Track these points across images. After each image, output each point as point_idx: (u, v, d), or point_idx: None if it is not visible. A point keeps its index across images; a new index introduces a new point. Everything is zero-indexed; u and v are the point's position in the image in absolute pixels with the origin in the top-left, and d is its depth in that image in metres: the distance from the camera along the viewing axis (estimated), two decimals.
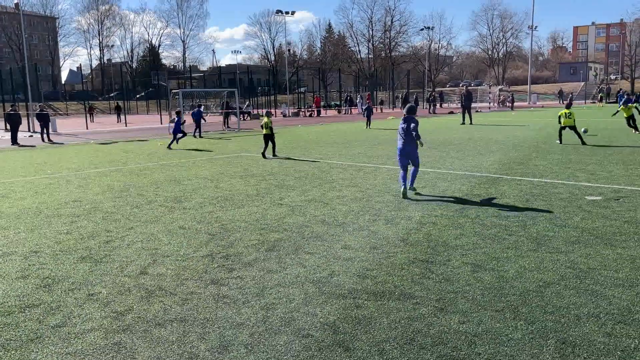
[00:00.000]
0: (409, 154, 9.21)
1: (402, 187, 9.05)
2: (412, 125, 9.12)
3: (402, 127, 9.30)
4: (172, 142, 19.52)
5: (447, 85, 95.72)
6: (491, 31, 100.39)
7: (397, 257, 5.77)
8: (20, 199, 9.68)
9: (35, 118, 26.79)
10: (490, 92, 62.02)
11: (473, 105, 34.53)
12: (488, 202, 8.41)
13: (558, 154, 14.45)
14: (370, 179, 11.03)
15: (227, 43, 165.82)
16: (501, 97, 60.61)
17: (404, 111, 9.50)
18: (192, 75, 62.41)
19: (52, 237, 6.90)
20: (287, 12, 62.42)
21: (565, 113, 17.15)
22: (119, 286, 5.08)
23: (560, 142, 17.17)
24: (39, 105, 27.09)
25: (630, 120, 20.46)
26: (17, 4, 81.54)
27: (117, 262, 5.82)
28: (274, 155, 15.53)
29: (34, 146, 21.91)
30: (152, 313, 4.44)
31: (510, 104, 51.04)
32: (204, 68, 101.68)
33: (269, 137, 15.46)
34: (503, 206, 8.11)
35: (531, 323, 4.09)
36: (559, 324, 4.07)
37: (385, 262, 5.61)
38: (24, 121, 28.09)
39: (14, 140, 22.80)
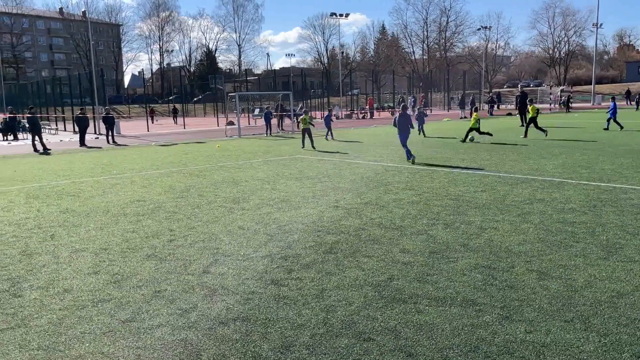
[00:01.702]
0: (407, 138, 14.27)
1: (411, 158, 13.89)
2: (411, 118, 14.73)
3: (398, 120, 14.36)
4: (327, 134, 23.48)
5: (505, 86, 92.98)
6: (552, 30, 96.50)
7: (458, 262, 5.65)
8: (90, 198, 10.18)
9: (101, 121, 28.13)
10: (551, 93, 59.72)
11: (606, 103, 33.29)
12: (552, 208, 8.09)
13: (626, 157, 13.72)
14: (426, 182, 10.87)
15: (281, 46, 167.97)
16: (562, 97, 58.21)
17: (400, 109, 14.73)
18: (248, 78, 63.65)
19: (119, 235, 7.22)
20: (341, 15, 62.56)
21: (477, 118, 19.43)
22: (183, 284, 5.25)
23: (472, 140, 19.35)
24: (105, 109, 28.42)
25: (532, 121, 20.76)
26: (84, 12, 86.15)
27: (181, 260, 6.01)
28: (313, 148, 18.38)
29: (100, 148, 23.01)
30: (215, 311, 4.55)
31: (566, 106, 48.78)
32: (258, 71, 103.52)
33: (307, 131, 18.59)
34: (569, 212, 7.78)
35: (604, 335, 3.90)
36: (635, 337, 3.86)
37: (445, 267, 5.51)
38: (91, 124, 29.56)
39: (82, 142, 24.02)
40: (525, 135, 20.57)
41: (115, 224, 7.90)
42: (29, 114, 24.34)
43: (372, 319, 4.32)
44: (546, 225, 7.07)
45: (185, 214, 8.48)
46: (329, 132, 23.96)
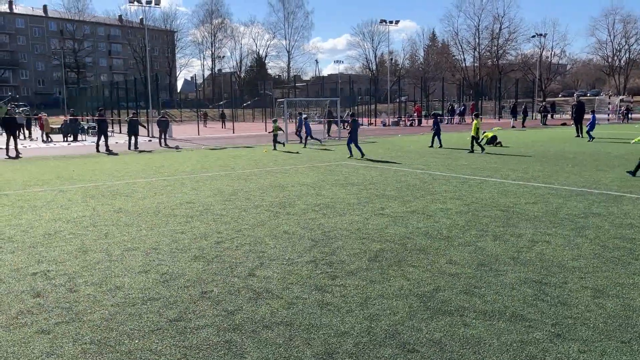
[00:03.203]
0: (354, 140, 18.37)
1: (350, 156, 18.06)
2: (358, 125, 19.25)
3: (350, 126, 19.31)
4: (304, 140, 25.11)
5: (560, 95, 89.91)
6: (612, 37, 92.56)
7: (507, 275, 5.49)
8: (142, 199, 10.52)
9: (156, 124, 29.06)
10: (609, 103, 57.27)
11: (587, 116, 32.19)
12: (609, 222, 7.74)
13: None
14: (476, 192, 10.63)
15: (330, 53, 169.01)
16: (621, 108, 55.72)
17: (350, 118, 20.60)
18: (296, 84, 64.31)
19: (169, 236, 7.42)
20: (390, 22, 62.22)
21: (478, 126, 19.49)
22: (229, 286, 5.33)
23: (483, 150, 19.34)
24: (161, 113, 29.35)
25: (474, 139, 19.51)
26: (142, 20, 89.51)
27: (227, 262, 6.11)
28: (283, 144, 23.17)
29: (152, 151, 23.75)
30: (260, 314, 4.60)
31: (624, 116, 46.56)
32: (306, 78, 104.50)
33: (275, 137, 22.80)
34: (627, 227, 7.42)
35: None
36: None
37: (494, 280, 5.36)
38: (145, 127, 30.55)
39: (135, 145, 24.85)
40: (472, 150, 19.39)
41: (165, 225, 8.12)
42: (98, 115, 25.31)
43: (416, 330, 4.24)
44: (602, 240, 6.76)
45: (233, 216, 8.63)
46: (304, 138, 24.49)
